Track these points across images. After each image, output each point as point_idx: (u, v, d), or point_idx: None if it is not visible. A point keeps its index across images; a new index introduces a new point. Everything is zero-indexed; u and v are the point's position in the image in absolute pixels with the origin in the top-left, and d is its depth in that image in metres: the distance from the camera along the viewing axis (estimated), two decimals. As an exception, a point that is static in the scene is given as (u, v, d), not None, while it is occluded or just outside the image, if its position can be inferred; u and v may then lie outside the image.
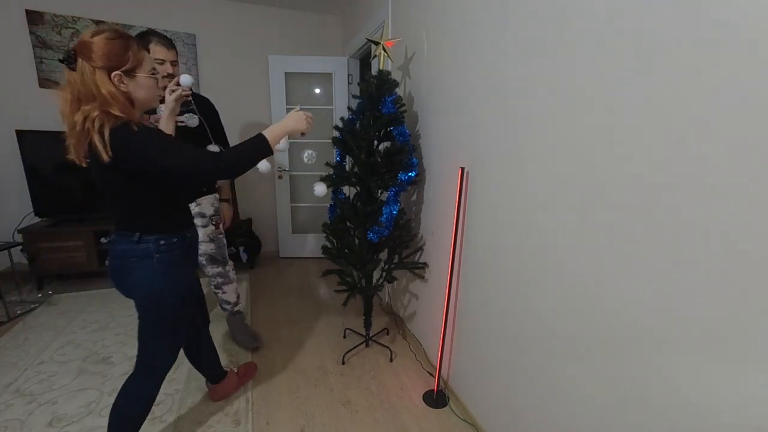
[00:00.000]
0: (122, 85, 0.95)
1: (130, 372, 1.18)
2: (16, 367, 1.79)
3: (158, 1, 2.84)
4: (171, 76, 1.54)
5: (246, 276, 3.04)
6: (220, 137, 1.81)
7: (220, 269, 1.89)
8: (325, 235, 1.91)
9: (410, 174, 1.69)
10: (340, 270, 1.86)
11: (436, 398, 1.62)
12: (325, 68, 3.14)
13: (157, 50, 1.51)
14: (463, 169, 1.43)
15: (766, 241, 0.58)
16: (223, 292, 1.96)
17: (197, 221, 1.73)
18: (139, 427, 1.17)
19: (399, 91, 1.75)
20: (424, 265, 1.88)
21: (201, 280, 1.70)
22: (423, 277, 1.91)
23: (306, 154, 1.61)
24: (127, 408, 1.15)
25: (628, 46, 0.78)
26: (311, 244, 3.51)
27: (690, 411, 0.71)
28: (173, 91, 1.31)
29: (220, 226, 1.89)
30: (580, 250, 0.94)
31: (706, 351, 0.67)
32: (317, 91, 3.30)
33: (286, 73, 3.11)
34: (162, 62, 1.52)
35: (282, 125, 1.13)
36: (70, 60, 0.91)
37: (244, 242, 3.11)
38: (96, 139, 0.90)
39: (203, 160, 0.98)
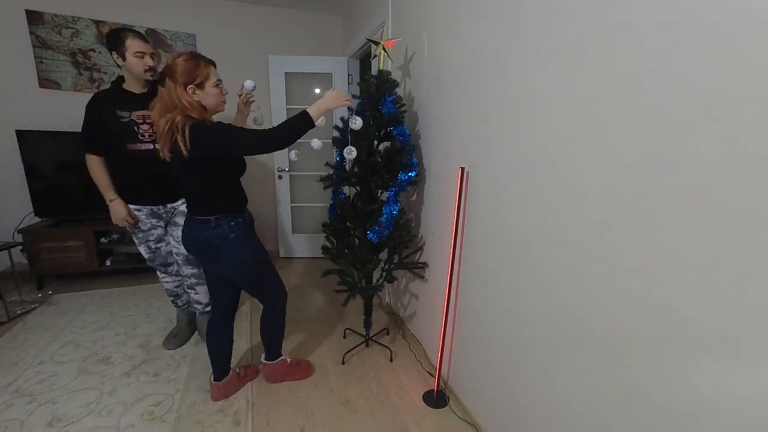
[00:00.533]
0: (195, 95, 1.24)
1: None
2: (16, 367, 1.79)
3: (158, 1, 2.84)
4: (152, 69, 1.64)
5: (246, 276, 3.04)
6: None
7: (194, 270, 1.89)
8: (325, 235, 1.91)
9: (410, 174, 1.69)
10: (340, 270, 1.86)
11: (436, 398, 1.62)
12: (325, 68, 3.14)
13: (135, 44, 1.59)
14: (463, 169, 1.43)
15: (766, 240, 0.58)
16: (196, 293, 1.95)
17: (179, 220, 1.79)
18: (282, 339, 1.70)
19: (399, 91, 1.75)
20: (424, 265, 1.88)
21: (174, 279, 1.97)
22: (423, 277, 1.91)
23: (292, 153, 1.75)
24: (270, 329, 1.64)
25: (628, 46, 0.78)
26: (311, 244, 3.51)
27: (690, 411, 0.71)
28: (239, 95, 1.56)
29: None
30: (581, 250, 0.94)
31: (706, 351, 0.67)
32: (317, 91, 3.30)
33: (286, 73, 3.11)
34: (142, 55, 1.60)
35: (322, 102, 1.33)
36: (161, 80, 1.23)
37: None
38: (179, 137, 1.19)
39: (264, 136, 1.23)
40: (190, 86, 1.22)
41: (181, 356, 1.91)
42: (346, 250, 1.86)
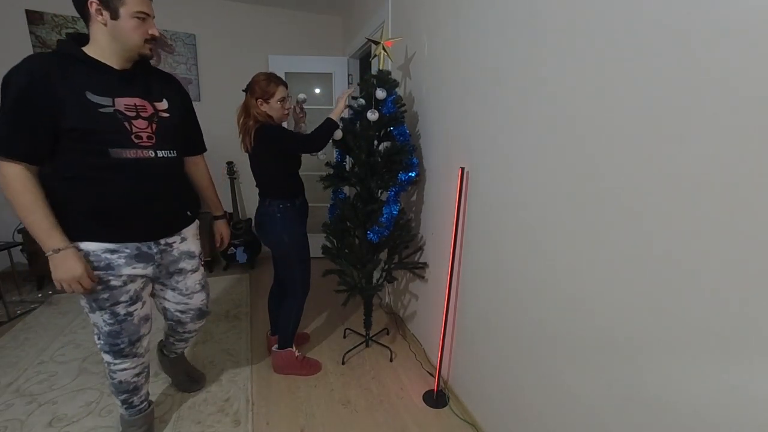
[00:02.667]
0: (263, 107, 1.55)
1: None
2: (16, 367, 1.79)
3: (158, 1, 2.80)
4: (154, 41, 1.10)
5: (246, 276, 3.04)
6: None
7: (203, 323, 1.51)
8: (325, 235, 1.91)
9: (410, 174, 1.69)
10: (340, 270, 1.86)
11: (436, 398, 1.62)
12: (325, 68, 3.14)
13: (137, 1, 1.03)
14: (463, 169, 1.43)
15: (765, 240, 0.58)
16: (186, 344, 1.57)
17: (185, 264, 1.34)
18: (296, 329, 1.78)
19: (399, 91, 1.75)
20: (424, 265, 1.88)
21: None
22: (423, 277, 1.91)
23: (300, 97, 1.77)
24: (285, 315, 1.74)
25: (628, 47, 0.78)
26: (311, 243, 3.51)
27: (690, 411, 0.71)
28: (294, 107, 1.77)
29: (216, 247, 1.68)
30: (580, 251, 0.94)
31: (706, 351, 0.67)
32: (317, 91, 3.30)
33: (286, 73, 3.11)
34: (144, 17, 1.05)
35: (337, 109, 1.64)
36: (247, 90, 1.57)
37: (243, 242, 3.11)
38: (245, 137, 1.54)
39: (310, 139, 1.60)
40: (260, 99, 1.53)
41: (181, 356, 1.91)
42: (346, 250, 1.86)
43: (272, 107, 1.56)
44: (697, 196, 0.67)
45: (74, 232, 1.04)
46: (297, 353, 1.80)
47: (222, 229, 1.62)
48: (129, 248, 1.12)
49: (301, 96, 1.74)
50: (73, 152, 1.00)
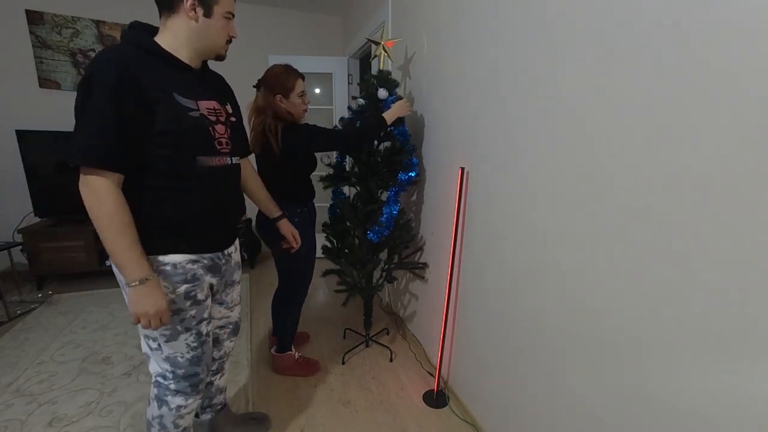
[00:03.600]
0: (282, 103, 1.44)
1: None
2: (16, 367, 1.79)
3: (158, 1, 2.84)
4: (231, 40, 1.11)
5: (246, 276, 3.04)
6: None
7: (236, 340, 1.34)
8: (325, 235, 1.91)
9: (410, 174, 1.69)
10: (340, 270, 1.86)
11: (436, 398, 1.62)
12: (325, 68, 3.14)
13: (230, 1, 1.08)
14: (463, 169, 1.43)
15: (765, 240, 0.58)
16: (223, 374, 1.34)
17: (237, 275, 1.21)
18: (295, 333, 1.79)
19: (399, 91, 1.75)
20: (424, 265, 1.88)
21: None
22: (423, 277, 1.91)
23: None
24: (281, 318, 1.73)
25: (629, 46, 0.78)
26: (311, 244, 3.51)
27: (690, 411, 0.71)
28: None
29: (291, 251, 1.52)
30: (580, 251, 0.94)
31: (707, 351, 0.67)
32: (317, 91, 3.30)
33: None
34: (231, 17, 1.08)
35: (394, 112, 1.58)
36: (258, 86, 1.47)
37: (244, 242, 3.11)
38: (271, 138, 1.40)
39: (350, 135, 1.53)
40: (279, 95, 1.44)
41: (181, 356, 1.91)
42: (346, 250, 1.86)
43: (292, 102, 1.47)
44: (697, 196, 0.67)
45: (157, 246, 0.93)
46: (297, 355, 1.80)
47: (289, 228, 1.45)
48: (206, 259, 1.02)
49: (382, 92, 1.67)
50: (160, 160, 0.89)
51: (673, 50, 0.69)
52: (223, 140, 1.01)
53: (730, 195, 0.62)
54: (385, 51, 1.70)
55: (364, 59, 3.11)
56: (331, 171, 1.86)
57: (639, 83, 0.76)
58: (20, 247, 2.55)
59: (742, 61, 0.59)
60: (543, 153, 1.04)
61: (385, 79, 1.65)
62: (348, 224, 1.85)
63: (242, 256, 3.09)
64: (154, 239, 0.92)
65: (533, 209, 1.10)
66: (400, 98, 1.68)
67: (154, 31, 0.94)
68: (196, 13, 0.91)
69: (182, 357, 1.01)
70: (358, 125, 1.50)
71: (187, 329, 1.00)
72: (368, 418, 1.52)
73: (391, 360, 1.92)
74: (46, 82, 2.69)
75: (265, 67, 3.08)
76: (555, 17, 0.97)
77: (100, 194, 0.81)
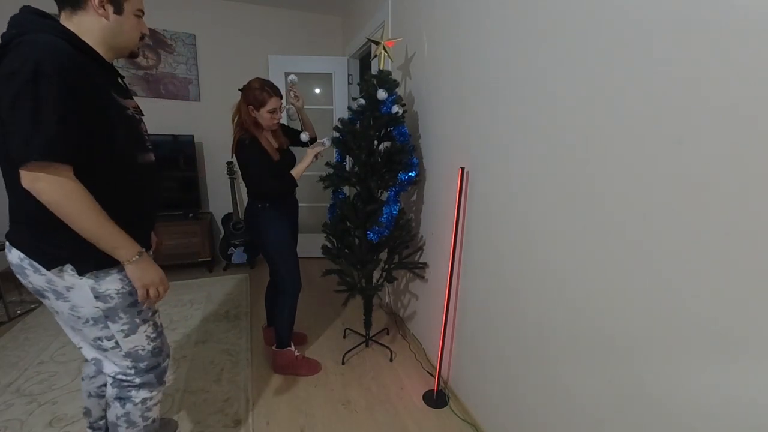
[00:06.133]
0: (252, 114, 1.55)
1: None
2: (16, 367, 1.79)
3: (158, 1, 2.84)
4: (143, 37, 1.01)
5: (246, 276, 3.04)
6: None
7: None
8: (325, 235, 1.91)
9: (410, 174, 1.69)
10: (340, 270, 1.86)
11: (436, 398, 1.62)
12: (325, 68, 3.14)
13: None
14: (463, 169, 1.43)
15: (765, 240, 0.58)
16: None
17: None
18: (292, 327, 1.79)
19: (399, 91, 1.75)
20: (424, 265, 1.88)
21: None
22: (423, 277, 1.91)
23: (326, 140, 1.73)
24: (282, 316, 1.74)
25: (629, 46, 0.78)
26: (311, 244, 3.51)
27: (690, 411, 0.71)
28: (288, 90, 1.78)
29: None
30: (580, 251, 0.94)
31: (705, 351, 0.67)
32: (317, 91, 3.30)
33: (286, 73, 3.11)
34: (141, 15, 0.98)
35: (301, 165, 1.66)
36: (242, 90, 1.57)
37: (243, 242, 3.11)
38: (233, 141, 1.58)
39: (267, 185, 1.59)
40: (250, 106, 1.54)
41: (181, 356, 1.91)
42: (346, 250, 1.86)
43: (261, 116, 1.56)
44: (696, 196, 0.67)
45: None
46: (296, 353, 1.80)
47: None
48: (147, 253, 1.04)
49: (292, 77, 1.71)
50: (107, 157, 0.88)
51: (673, 50, 0.69)
52: (146, 137, 1.02)
53: (729, 195, 0.62)
54: (385, 51, 1.70)
55: (364, 59, 3.11)
56: (331, 171, 1.85)
57: (638, 83, 0.76)
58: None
59: (742, 60, 0.59)
60: (543, 153, 1.04)
61: (385, 79, 1.65)
62: (348, 224, 1.85)
63: (241, 256, 3.10)
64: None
65: (533, 209, 1.10)
66: (399, 98, 1.68)
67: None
68: (105, 10, 0.87)
69: (143, 350, 1.02)
70: (276, 183, 1.60)
71: (145, 321, 1.01)
72: (368, 418, 1.52)
73: (391, 360, 1.92)
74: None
75: (265, 67, 3.13)
76: (555, 17, 0.97)
77: (68, 189, 0.78)
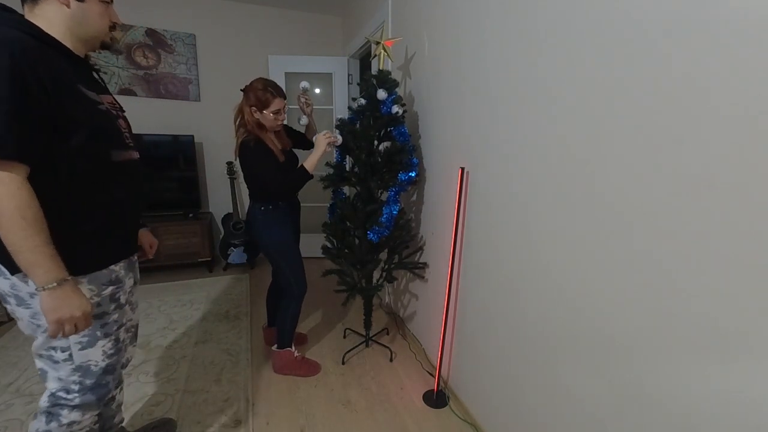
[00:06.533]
0: (255, 114, 1.51)
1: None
2: (16, 367, 1.79)
3: (158, 1, 2.84)
4: (115, 26, 0.98)
5: (246, 276, 3.04)
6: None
7: (135, 344, 1.19)
8: (325, 235, 1.91)
9: (410, 174, 1.69)
10: (340, 270, 1.86)
11: (436, 398, 1.62)
12: (325, 68, 3.14)
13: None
14: (463, 169, 1.43)
15: (765, 239, 0.58)
16: (121, 389, 1.19)
17: (138, 273, 1.11)
18: (294, 329, 1.77)
19: (399, 91, 1.75)
20: (424, 265, 1.88)
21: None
22: (423, 277, 1.91)
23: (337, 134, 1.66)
24: (281, 315, 1.74)
25: (629, 45, 0.78)
26: (311, 244, 3.51)
27: (690, 411, 0.71)
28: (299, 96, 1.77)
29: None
30: (580, 250, 0.94)
31: (705, 352, 0.67)
32: (317, 91, 3.30)
33: (286, 73, 3.11)
34: (110, 1, 0.94)
35: (314, 154, 1.56)
36: (244, 90, 1.53)
37: (244, 242, 3.11)
38: (236, 144, 1.54)
39: (279, 183, 1.53)
40: (254, 107, 1.50)
41: (181, 356, 1.91)
42: (346, 250, 1.86)
43: (265, 117, 1.52)
44: (696, 196, 0.67)
45: (83, 261, 0.87)
46: (296, 353, 1.80)
47: (147, 238, 1.22)
48: (124, 262, 0.99)
49: (304, 84, 1.68)
50: (75, 158, 0.82)
51: (672, 50, 0.69)
52: (127, 134, 0.97)
53: (730, 195, 0.62)
54: (385, 51, 1.70)
55: (364, 59, 3.11)
56: (331, 171, 1.85)
57: (638, 82, 0.76)
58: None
59: (742, 61, 0.59)
60: (543, 153, 1.04)
61: (384, 79, 1.65)
62: (348, 224, 1.85)
63: (241, 256, 3.10)
64: (78, 252, 0.85)
65: (533, 209, 1.10)
66: (399, 98, 1.68)
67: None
68: None
69: (96, 366, 0.94)
70: (288, 177, 1.53)
71: (107, 335, 0.93)
72: (368, 418, 1.52)
73: (391, 360, 1.92)
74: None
75: (265, 67, 3.13)
76: (555, 17, 0.97)
77: (12, 188, 0.72)
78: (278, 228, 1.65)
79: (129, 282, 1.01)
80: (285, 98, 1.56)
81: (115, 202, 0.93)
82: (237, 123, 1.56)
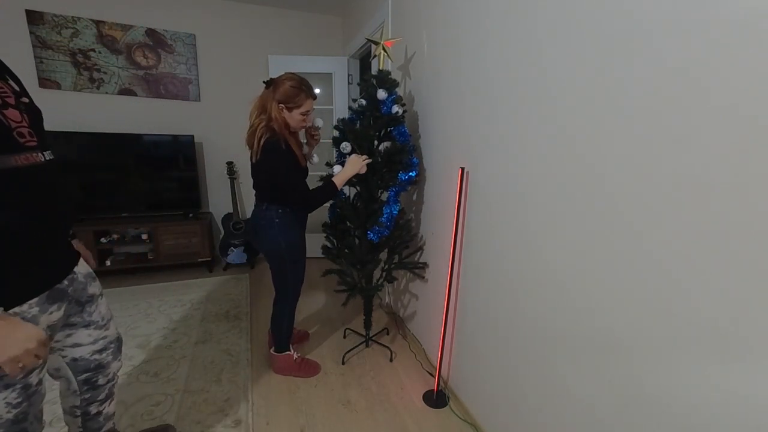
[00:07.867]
0: (282, 113, 1.44)
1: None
2: (16, 367, 1.79)
3: (158, 1, 2.84)
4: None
5: (246, 276, 3.04)
6: None
7: (121, 357, 1.16)
8: (325, 235, 1.91)
9: (410, 174, 1.69)
10: (340, 270, 1.86)
11: (436, 398, 1.62)
12: (325, 68, 3.14)
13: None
14: (463, 169, 1.43)
15: (765, 239, 0.58)
16: (111, 402, 1.18)
17: (94, 288, 1.05)
18: (291, 333, 1.76)
19: (399, 91, 1.75)
20: (424, 265, 1.88)
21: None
22: (423, 277, 1.91)
23: (318, 121, 1.69)
24: (277, 320, 1.71)
25: (627, 46, 0.78)
26: (311, 243, 3.51)
27: (689, 411, 0.71)
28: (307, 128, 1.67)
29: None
30: (580, 251, 0.94)
31: (705, 352, 0.67)
32: (317, 91, 3.28)
33: (286, 73, 3.11)
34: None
35: (346, 170, 1.56)
36: (269, 84, 1.45)
37: (243, 242, 3.11)
38: (255, 142, 1.41)
39: (303, 195, 1.48)
40: (282, 104, 1.44)
41: (181, 356, 1.91)
42: (346, 250, 1.86)
43: (292, 117, 1.46)
44: (696, 196, 0.67)
45: None
46: (295, 356, 1.80)
47: (80, 248, 1.11)
48: (39, 296, 0.79)
49: (319, 122, 1.69)
50: None
51: (672, 49, 0.69)
52: (24, 130, 0.74)
53: (730, 195, 0.62)
54: (385, 51, 1.70)
55: (364, 59, 3.11)
56: (331, 171, 1.85)
57: (638, 82, 0.76)
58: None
59: (743, 61, 0.59)
60: (543, 153, 1.04)
61: (384, 79, 1.65)
62: (348, 224, 1.85)
63: (241, 256, 3.10)
64: None
65: (533, 209, 1.10)
66: (399, 98, 1.68)
67: None
68: None
69: (1, 418, 0.76)
70: (316, 192, 1.50)
71: (8, 386, 0.75)
72: (368, 418, 1.52)
73: (391, 360, 1.92)
74: (45, 82, 2.68)
75: (265, 67, 3.13)
76: (554, 16, 0.97)
77: None
78: (295, 231, 1.61)
79: (50, 318, 0.82)
80: (315, 99, 1.51)
81: (6, 225, 0.71)
82: (256, 118, 1.45)
